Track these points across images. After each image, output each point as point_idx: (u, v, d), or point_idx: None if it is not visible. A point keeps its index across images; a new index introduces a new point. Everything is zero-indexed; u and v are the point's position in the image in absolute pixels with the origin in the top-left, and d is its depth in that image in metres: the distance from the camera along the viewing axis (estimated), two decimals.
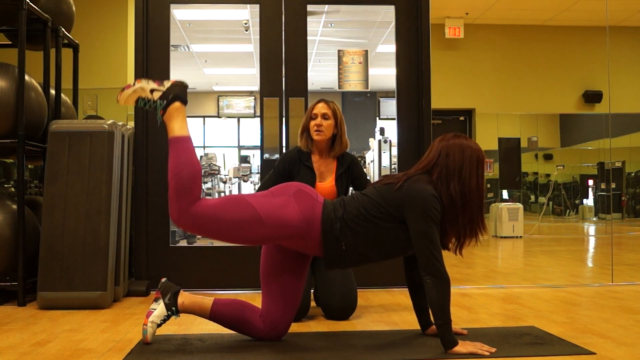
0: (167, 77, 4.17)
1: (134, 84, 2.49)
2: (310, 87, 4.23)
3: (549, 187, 10.35)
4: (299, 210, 2.40)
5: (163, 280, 2.58)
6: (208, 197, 2.43)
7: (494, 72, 9.51)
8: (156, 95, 2.48)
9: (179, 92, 2.49)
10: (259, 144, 4.21)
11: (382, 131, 8.00)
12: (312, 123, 3.19)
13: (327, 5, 4.60)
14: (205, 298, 2.55)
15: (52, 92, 4.13)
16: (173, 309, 2.49)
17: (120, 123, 3.80)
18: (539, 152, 10.41)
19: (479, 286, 4.16)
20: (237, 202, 2.40)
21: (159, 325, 2.51)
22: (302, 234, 2.41)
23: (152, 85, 2.49)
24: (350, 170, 3.25)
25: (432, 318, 2.44)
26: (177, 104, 2.48)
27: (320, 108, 3.19)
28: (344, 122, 3.24)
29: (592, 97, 9.61)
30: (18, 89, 3.59)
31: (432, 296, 2.32)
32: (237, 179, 8.75)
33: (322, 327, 2.91)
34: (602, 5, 7.85)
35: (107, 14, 6.83)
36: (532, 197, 10.62)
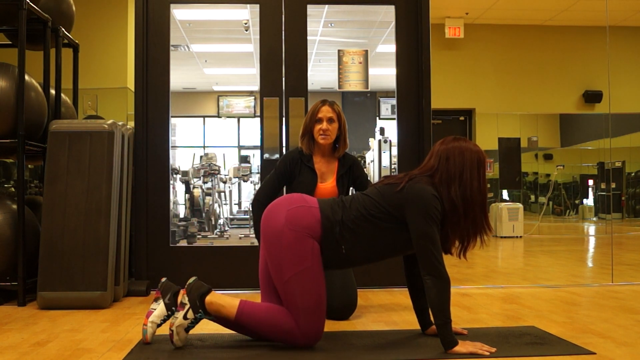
0: (167, 78, 4.16)
1: (173, 332, 2.42)
2: (310, 87, 4.23)
3: (549, 187, 10.35)
4: (303, 230, 2.38)
5: (163, 280, 2.57)
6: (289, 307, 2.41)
7: (494, 72, 9.51)
8: (190, 314, 2.43)
9: (199, 292, 2.44)
10: (259, 144, 4.21)
11: (382, 131, 8.01)
12: (318, 127, 3.17)
13: (327, 5, 4.60)
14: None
15: (52, 92, 4.13)
16: (173, 309, 2.49)
17: (120, 123, 3.80)
18: (539, 152, 10.40)
19: (479, 286, 4.16)
20: (298, 282, 2.37)
21: (159, 325, 2.51)
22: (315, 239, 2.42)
23: (180, 314, 2.43)
24: (351, 171, 3.24)
25: (432, 318, 2.44)
26: (207, 299, 2.43)
27: (326, 112, 3.17)
28: (345, 123, 3.24)
29: (592, 97, 9.61)
30: (18, 89, 3.59)
31: (432, 296, 2.32)
32: (237, 179, 8.75)
33: None
34: (602, 5, 7.85)
35: (107, 14, 6.83)
36: (532, 197, 10.61)
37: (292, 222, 2.39)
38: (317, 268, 2.39)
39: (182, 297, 2.46)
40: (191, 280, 2.50)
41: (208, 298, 2.43)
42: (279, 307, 2.44)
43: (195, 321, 2.44)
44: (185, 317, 2.42)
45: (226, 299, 2.45)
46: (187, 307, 2.43)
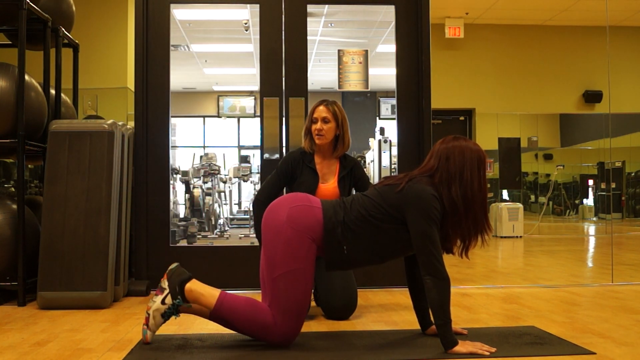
0: (167, 78, 4.16)
1: (148, 315, 2.45)
2: (310, 87, 4.23)
3: (549, 187, 10.35)
4: (303, 230, 2.39)
5: (173, 266, 2.53)
6: (270, 304, 2.42)
7: (494, 72, 9.51)
8: (168, 300, 2.44)
9: (180, 278, 2.46)
10: (259, 144, 4.21)
11: (382, 131, 8.01)
12: (313, 127, 3.18)
13: (327, 5, 4.59)
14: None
15: (52, 92, 4.13)
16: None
17: (120, 123, 3.80)
18: (539, 152, 10.41)
19: (479, 286, 4.16)
20: (286, 281, 2.37)
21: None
22: (314, 241, 2.43)
23: (158, 298, 2.45)
24: (352, 172, 3.25)
25: (432, 318, 2.44)
26: (187, 287, 2.45)
27: (321, 112, 3.18)
28: (346, 122, 3.22)
29: (592, 97, 9.61)
30: (18, 89, 3.59)
31: (432, 296, 2.32)
32: (237, 179, 8.75)
33: (322, 327, 2.92)
34: (602, 5, 7.86)
35: (107, 14, 6.83)
36: (532, 197, 10.61)
37: (294, 220, 2.40)
38: (308, 271, 2.40)
39: (163, 281, 2.48)
40: (173, 266, 2.52)
41: (188, 285, 2.45)
42: (259, 302, 2.46)
43: (173, 307, 2.44)
44: (163, 302, 2.44)
45: (207, 289, 2.46)
46: (166, 292, 2.45)
